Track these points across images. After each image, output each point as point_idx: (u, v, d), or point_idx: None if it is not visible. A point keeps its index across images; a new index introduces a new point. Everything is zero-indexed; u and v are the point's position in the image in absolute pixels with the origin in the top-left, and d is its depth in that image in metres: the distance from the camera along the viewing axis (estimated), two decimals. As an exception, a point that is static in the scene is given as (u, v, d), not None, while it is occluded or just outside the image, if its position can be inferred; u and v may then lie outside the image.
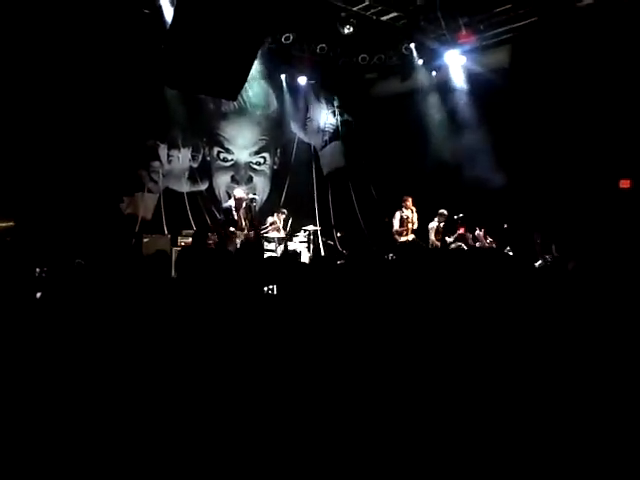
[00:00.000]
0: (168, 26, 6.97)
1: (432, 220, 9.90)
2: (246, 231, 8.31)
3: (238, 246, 7.98)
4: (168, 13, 7.94)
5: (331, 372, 1.88)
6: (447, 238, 9.82)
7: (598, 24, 8.19)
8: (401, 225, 9.77)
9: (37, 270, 4.18)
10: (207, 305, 2.32)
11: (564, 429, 1.79)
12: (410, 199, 9.82)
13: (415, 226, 9.85)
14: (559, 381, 1.98)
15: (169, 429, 1.83)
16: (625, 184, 9.39)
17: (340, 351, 1.97)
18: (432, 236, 9.91)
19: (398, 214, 9.83)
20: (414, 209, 9.85)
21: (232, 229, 8.12)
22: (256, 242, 7.87)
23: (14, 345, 2.23)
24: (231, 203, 8.37)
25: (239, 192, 8.64)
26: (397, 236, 9.79)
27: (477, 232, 9.42)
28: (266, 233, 8.93)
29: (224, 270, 2.63)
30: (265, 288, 2.85)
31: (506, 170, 9.74)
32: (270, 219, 8.93)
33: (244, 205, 8.37)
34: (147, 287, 3.45)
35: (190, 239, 8.69)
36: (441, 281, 3.29)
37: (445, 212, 9.73)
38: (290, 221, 9.59)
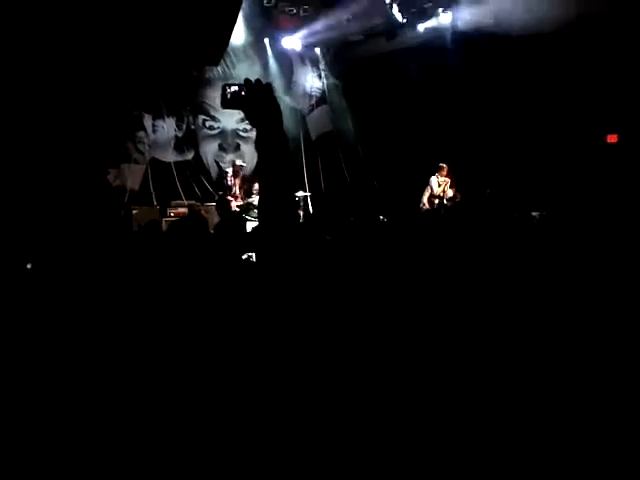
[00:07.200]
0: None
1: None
2: (239, 200, 8.66)
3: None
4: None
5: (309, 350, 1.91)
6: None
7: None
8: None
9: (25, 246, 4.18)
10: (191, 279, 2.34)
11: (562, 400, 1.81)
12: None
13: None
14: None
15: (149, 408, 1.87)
16: (612, 139, 9.42)
17: (321, 324, 2.00)
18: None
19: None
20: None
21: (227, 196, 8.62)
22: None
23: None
24: (229, 170, 9.01)
25: (238, 161, 9.16)
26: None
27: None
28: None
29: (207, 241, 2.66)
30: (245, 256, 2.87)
31: (494, 125, 9.71)
32: (257, 186, 8.92)
33: (240, 173, 8.92)
34: (139, 258, 3.47)
35: (180, 209, 8.73)
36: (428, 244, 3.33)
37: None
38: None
